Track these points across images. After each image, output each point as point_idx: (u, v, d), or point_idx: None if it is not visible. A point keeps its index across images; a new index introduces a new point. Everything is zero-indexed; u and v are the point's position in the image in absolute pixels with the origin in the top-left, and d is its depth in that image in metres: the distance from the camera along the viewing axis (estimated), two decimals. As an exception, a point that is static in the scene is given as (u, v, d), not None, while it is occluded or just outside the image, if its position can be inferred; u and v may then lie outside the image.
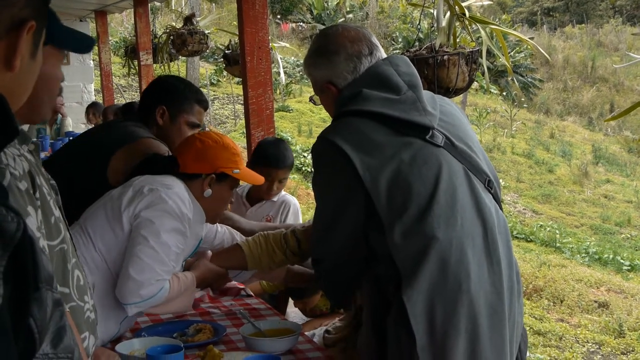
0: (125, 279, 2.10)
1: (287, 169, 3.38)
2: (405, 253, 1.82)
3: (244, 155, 3.33)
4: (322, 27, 19.02)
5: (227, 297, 2.81)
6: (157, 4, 9.44)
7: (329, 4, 23.28)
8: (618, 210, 14.52)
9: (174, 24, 7.28)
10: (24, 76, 1.01)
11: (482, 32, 2.99)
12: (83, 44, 1.44)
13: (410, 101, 1.92)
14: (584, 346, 6.90)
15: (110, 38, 9.41)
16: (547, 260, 9.64)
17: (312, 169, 2.09)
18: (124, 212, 2.17)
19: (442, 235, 1.81)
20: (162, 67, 7.40)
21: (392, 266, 1.84)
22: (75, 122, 8.61)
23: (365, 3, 24.65)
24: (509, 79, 20.55)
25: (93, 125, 7.34)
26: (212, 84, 18.57)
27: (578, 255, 10.70)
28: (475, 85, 15.36)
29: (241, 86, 4.37)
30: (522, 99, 21.86)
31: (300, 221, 3.42)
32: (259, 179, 2.52)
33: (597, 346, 6.93)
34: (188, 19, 6.53)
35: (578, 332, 7.21)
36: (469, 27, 3.01)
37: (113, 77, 10.01)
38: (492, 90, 20.40)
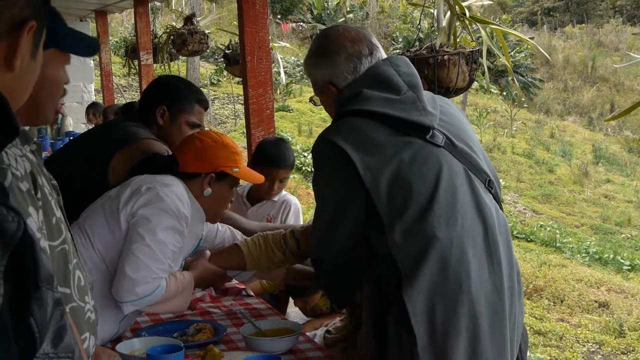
0: (121, 277, 2.10)
1: (288, 169, 3.38)
2: (406, 252, 1.82)
3: (244, 155, 3.33)
4: (323, 27, 19.04)
5: (227, 296, 2.81)
6: (158, 3, 9.45)
7: (329, 3, 23.28)
8: (618, 210, 14.53)
9: (174, 23, 7.29)
10: (25, 76, 1.01)
11: (483, 32, 2.99)
12: (88, 48, 1.44)
13: (410, 101, 1.92)
14: (584, 346, 6.90)
15: (110, 38, 9.41)
16: (548, 260, 9.64)
17: (313, 169, 2.08)
18: (122, 211, 2.17)
19: (442, 234, 1.81)
20: (163, 67, 7.41)
21: (393, 266, 1.84)
22: (76, 122, 8.61)
23: (366, 3, 24.65)
24: (509, 78, 20.55)
25: (93, 125, 7.34)
26: (212, 83, 18.58)
27: (578, 255, 10.70)
28: (475, 85, 15.37)
29: (241, 86, 4.38)
30: (523, 99, 21.87)
31: (301, 221, 3.42)
32: (259, 178, 2.52)
33: (598, 346, 6.93)
34: (188, 19, 6.53)
35: (578, 332, 7.21)
36: (469, 27, 3.01)
37: (113, 77, 10.01)
38: (493, 90, 20.40)
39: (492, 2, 3.94)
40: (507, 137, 18.86)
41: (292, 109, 17.21)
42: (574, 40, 27.61)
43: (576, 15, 30.84)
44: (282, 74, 6.59)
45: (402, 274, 1.82)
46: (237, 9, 3.92)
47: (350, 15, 23.57)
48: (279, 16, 23.87)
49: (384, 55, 2.03)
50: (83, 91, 10.18)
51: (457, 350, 1.80)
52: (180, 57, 7.72)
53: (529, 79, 21.90)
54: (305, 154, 13.61)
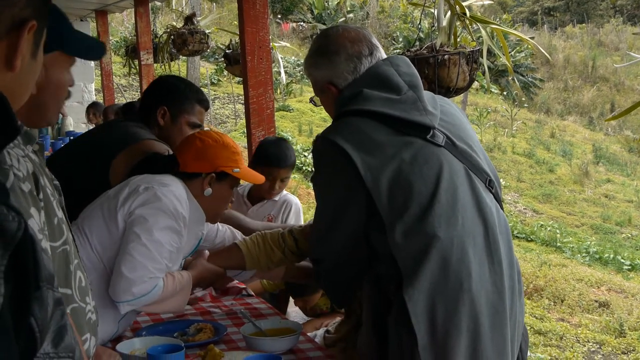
0: (117, 276, 2.09)
1: (289, 168, 3.38)
2: (407, 252, 1.82)
3: (245, 154, 3.33)
4: (323, 26, 19.03)
5: (228, 296, 2.81)
6: (158, 3, 9.45)
7: (330, 3, 23.28)
8: (618, 210, 14.53)
9: (174, 23, 7.30)
10: (25, 76, 1.01)
11: (483, 31, 2.99)
12: (94, 52, 1.44)
13: (410, 101, 1.92)
14: (584, 346, 6.90)
15: (110, 38, 9.41)
16: (548, 259, 9.65)
17: (313, 169, 2.08)
18: (119, 211, 2.16)
19: (443, 234, 1.81)
20: (163, 67, 7.41)
21: (393, 265, 1.84)
22: (76, 122, 8.62)
23: (366, 3, 24.65)
24: (510, 78, 20.55)
25: (94, 125, 7.35)
26: (212, 83, 18.58)
27: (578, 255, 10.70)
28: (475, 84, 15.35)
29: (242, 86, 4.38)
30: (523, 99, 21.87)
31: (302, 221, 3.42)
32: (259, 178, 2.52)
33: (598, 346, 6.93)
34: (189, 19, 6.53)
35: (579, 331, 7.21)
36: (470, 26, 3.01)
37: (114, 76, 10.02)
38: (493, 90, 20.40)
39: (492, 2, 3.93)
40: (507, 136, 18.86)
41: (292, 109, 17.21)
42: (574, 40, 27.61)
43: (576, 15, 30.84)
44: (283, 74, 6.60)
45: (402, 274, 1.82)
46: (237, 9, 3.92)
47: (351, 15, 23.58)
48: (279, 16, 23.88)
49: (384, 55, 2.03)
50: (83, 91, 10.19)
51: (458, 349, 1.80)
52: (181, 56, 7.73)
53: (529, 78, 21.90)
54: (306, 154, 13.61)
